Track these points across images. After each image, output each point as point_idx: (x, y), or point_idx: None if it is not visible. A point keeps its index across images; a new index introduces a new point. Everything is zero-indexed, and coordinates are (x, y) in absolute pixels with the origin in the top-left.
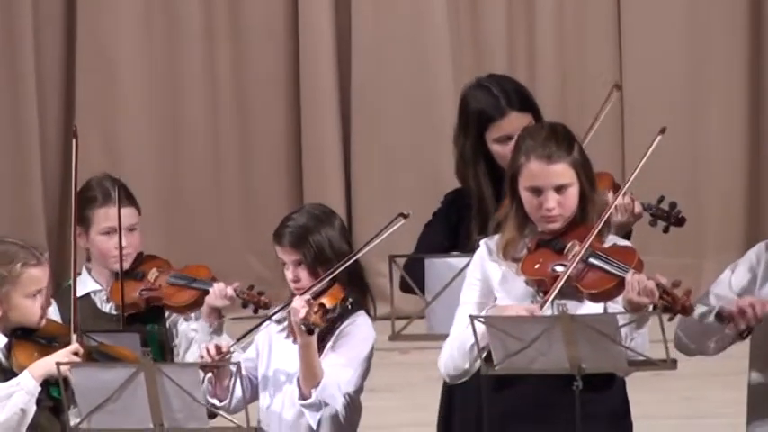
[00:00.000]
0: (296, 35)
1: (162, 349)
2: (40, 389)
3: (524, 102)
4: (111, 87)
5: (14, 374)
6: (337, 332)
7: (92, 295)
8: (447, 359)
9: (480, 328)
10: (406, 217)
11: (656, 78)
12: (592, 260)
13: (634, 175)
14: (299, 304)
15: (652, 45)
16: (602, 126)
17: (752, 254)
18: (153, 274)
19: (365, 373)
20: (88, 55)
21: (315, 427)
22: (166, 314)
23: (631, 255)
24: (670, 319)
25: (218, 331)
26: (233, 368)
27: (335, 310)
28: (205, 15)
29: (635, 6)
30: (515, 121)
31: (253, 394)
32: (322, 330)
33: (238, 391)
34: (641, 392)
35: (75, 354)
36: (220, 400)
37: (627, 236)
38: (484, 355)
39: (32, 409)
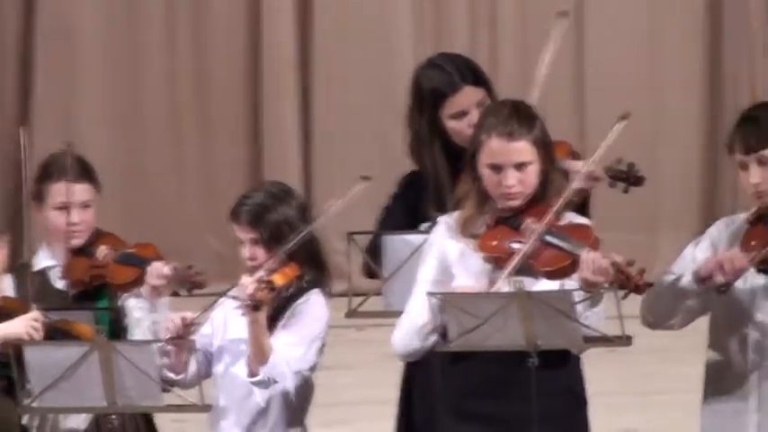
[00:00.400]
0: (258, 13)
1: (114, 327)
2: None
3: (477, 76)
4: (71, 64)
5: None
6: (290, 310)
7: (47, 271)
8: (400, 337)
9: (435, 305)
10: (367, 179)
11: (615, 59)
12: (548, 238)
13: (594, 157)
14: (248, 281)
15: (613, 26)
16: (562, 103)
17: (713, 230)
18: (102, 251)
19: (318, 352)
20: (48, 31)
21: (263, 405)
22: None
23: (587, 233)
24: (624, 297)
25: (161, 310)
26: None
27: (289, 288)
28: None
29: None
30: (470, 96)
31: (207, 370)
32: (276, 308)
33: (193, 367)
34: (597, 369)
35: (36, 321)
36: (176, 374)
37: (585, 201)
38: (438, 334)
39: None
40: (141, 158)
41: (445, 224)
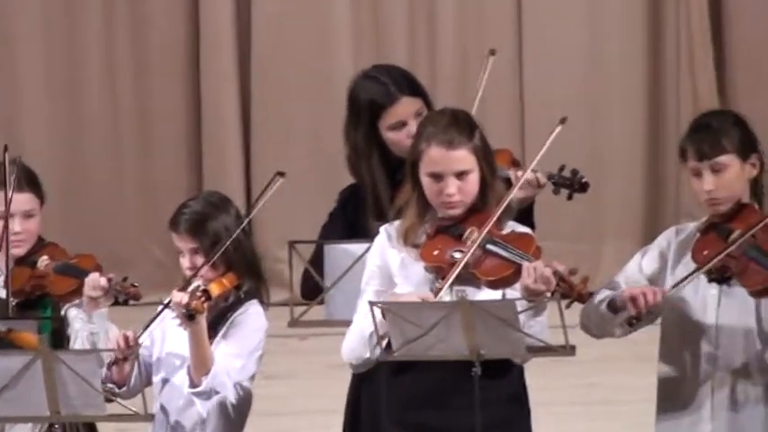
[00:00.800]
0: (196, 16)
1: (56, 337)
2: None
3: (413, 86)
4: (11, 72)
5: None
6: (229, 321)
7: None
8: (348, 347)
9: (380, 315)
10: (282, 175)
11: (556, 70)
12: (490, 247)
13: (533, 163)
14: (183, 291)
15: (553, 30)
16: (501, 107)
17: (662, 239)
18: (43, 261)
19: (256, 363)
20: None
21: (204, 416)
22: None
23: (529, 242)
24: (567, 306)
25: (99, 321)
26: (135, 349)
27: (227, 298)
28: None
29: None
30: (407, 106)
31: (148, 380)
32: (214, 318)
33: (135, 378)
34: (540, 378)
35: None
36: (118, 386)
37: (529, 208)
38: (384, 343)
39: None
40: (82, 168)
41: (386, 233)
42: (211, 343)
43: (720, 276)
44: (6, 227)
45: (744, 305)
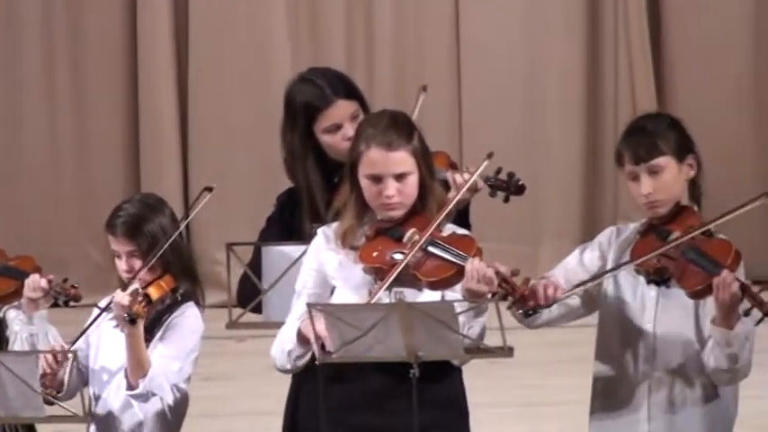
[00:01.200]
0: (134, 22)
1: None
2: None
3: (349, 89)
4: None
5: None
6: (166, 323)
7: None
8: (275, 355)
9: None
10: (210, 190)
11: (494, 66)
12: (431, 248)
13: (475, 174)
14: (123, 294)
15: (491, 31)
16: (439, 109)
17: (603, 237)
18: None
19: (192, 365)
20: None
21: (142, 418)
22: None
23: (470, 243)
24: (508, 308)
25: (39, 323)
26: (69, 356)
27: (164, 301)
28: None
29: None
30: (343, 109)
31: (84, 383)
32: (151, 321)
33: (72, 380)
34: (478, 380)
35: None
36: (56, 391)
37: (465, 210)
38: (319, 346)
39: None
40: (18, 170)
41: (324, 235)
42: (147, 345)
43: (659, 278)
44: None
45: (682, 307)
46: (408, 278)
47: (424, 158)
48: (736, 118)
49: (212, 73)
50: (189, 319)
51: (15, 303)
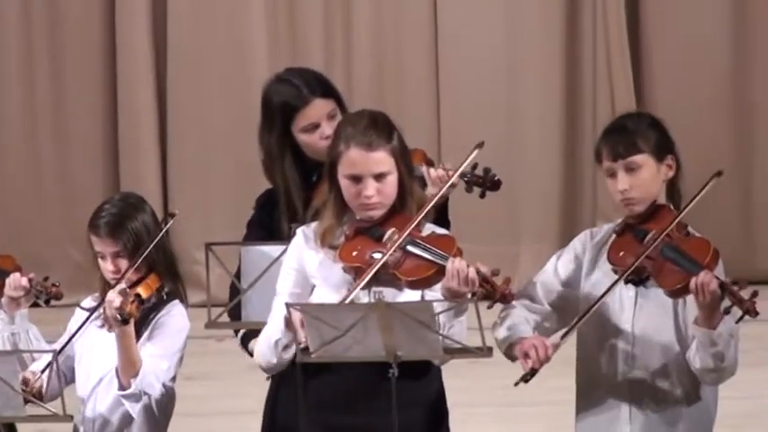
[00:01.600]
0: (112, 20)
1: None
2: None
3: (326, 88)
4: None
5: None
6: (153, 322)
7: None
8: (259, 352)
9: (284, 324)
10: (173, 216)
11: (472, 66)
12: (410, 248)
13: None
14: (114, 294)
15: (469, 31)
16: (418, 108)
17: (577, 242)
18: None
19: (179, 363)
20: None
21: (135, 417)
22: None
23: (450, 243)
24: (489, 307)
25: (20, 322)
26: (49, 357)
27: (151, 300)
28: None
29: None
30: (320, 108)
31: (68, 383)
32: (137, 320)
33: (54, 381)
34: (458, 380)
35: None
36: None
37: (443, 207)
38: (300, 347)
39: None
40: None
41: (303, 235)
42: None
43: (637, 278)
44: None
45: (661, 306)
46: (388, 277)
47: (404, 158)
48: (714, 119)
49: (191, 73)
50: (176, 317)
51: None
